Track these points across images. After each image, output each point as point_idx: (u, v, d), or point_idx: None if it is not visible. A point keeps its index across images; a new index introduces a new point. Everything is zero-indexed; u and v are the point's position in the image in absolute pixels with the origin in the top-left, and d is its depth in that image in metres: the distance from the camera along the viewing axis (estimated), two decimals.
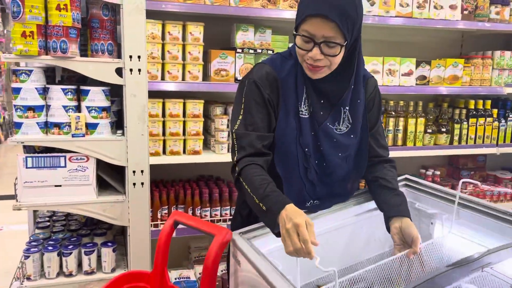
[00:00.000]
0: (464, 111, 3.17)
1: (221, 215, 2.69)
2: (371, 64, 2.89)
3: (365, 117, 1.55)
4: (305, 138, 1.47)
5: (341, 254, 1.62)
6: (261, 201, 1.31)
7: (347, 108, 1.50)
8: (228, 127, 2.64)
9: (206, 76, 2.62)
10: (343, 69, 1.43)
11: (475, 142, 3.20)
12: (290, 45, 2.77)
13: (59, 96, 2.07)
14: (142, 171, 2.20)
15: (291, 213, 1.22)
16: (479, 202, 1.46)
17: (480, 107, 3.23)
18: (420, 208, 1.64)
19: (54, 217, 2.62)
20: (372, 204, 1.65)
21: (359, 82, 1.49)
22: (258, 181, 1.35)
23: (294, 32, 1.38)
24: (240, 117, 1.46)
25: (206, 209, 2.67)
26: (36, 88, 2.04)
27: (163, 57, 2.49)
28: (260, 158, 1.43)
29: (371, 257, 1.67)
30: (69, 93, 2.09)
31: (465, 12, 3.02)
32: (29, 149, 2.14)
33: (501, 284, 1.00)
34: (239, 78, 2.61)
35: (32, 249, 2.14)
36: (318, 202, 1.56)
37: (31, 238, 2.30)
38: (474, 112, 3.20)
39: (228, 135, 2.64)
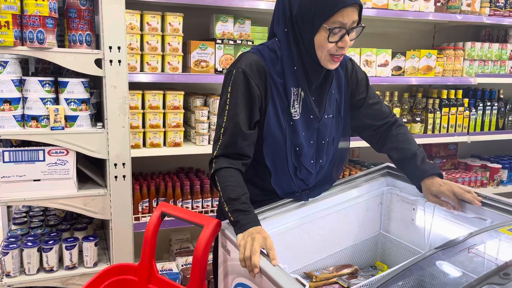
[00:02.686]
0: (437, 101, 3.27)
1: (202, 207, 2.69)
2: (348, 55, 2.93)
3: (346, 99, 1.60)
4: (297, 138, 1.49)
5: (327, 240, 1.65)
6: (231, 213, 1.35)
7: (334, 90, 1.55)
8: (208, 118, 2.63)
9: (185, 67, 2.60)
10: None
11: (447, 131, 3.31)
12: None
13: (36, 88, 2.01)
14: (123, 164, 2.17)
15: (259, 229, 1.29)
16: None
17: (452, 96, 3.33)
18: (401, 195, 1.69)
19: (31, 213, 2.56)
20: (356, 191, 1.70)
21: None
22: (232, 190, 1.37)
23: (326, 26, 1.34)
24: (227, 108, 1.44)
25: (188, 201, 2.66)
26: (12, 80, 1.98)
27: (142, 48, 2.46)
28: (239, 161, 1.44)
29: (357, 243, 1.72)
30: (47, 85, 2.03)
31: (438, 4, 3.10)
32: (6, 143, 2.08)
33: (486, 264, 1.05)
34: (219, 69, 2.60)
35: (11, 245, 2.09)
36: (308, 191, 1.59)
37: (9, 234, 2.25)
38: (447, 102, 3.30)
39: (209, 127, 2.63)
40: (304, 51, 1.43)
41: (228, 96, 1.44)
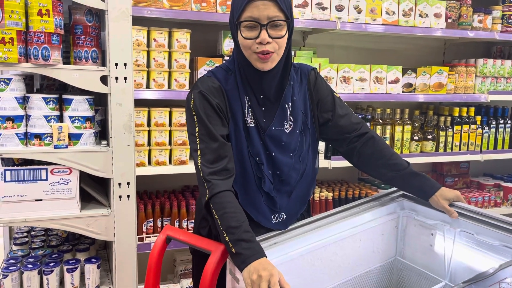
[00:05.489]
0: (449, 119, 3.20)
1: None
2: (358, 72, 2.88)
3: (309, 111, 1.55)
4: (254, 147, 1.46)
5: (341, 267, 1.57)
6: (233, 243, 1.26)
7: (290, 104, 1.50)
8: None
9: (193, 84, 2.54)
10: (284, 65, 1.45)
11: (460, 149, 3.23)
12: None
13: (40, 106, 1.96)
14: (128, 183, 2.11)
15: (265, 263, 1.20)
16: (481, 212, 1.44)
17: (464, 114, 3.26)
18: (419, 219, 1.61)
19: (33, 232, 2.49)
20: (371, 215, 1.62)
21: (292, 78, 1.52)
22: (232, 217, 1.30)
23: (236, 22, 1.37)
24: (197, 131, 1.42)
25: (193, 221, 2.58)
26: (15, 98, 1.93)
27: (148, 65, 2.41)
28: (230, 179, 1.39)
29: (372, 269, 1.63)
30: (51, 102, 1.98)
31: (449, 20, 3.05)
32: (8, 162, 2.02)
33: None
34: None
35: (10, 268, 2.02)
36: (285, 216, 1.52)
37: (9, 256, 2.18)
38: (459, 119, 3.22)
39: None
40: (242, 57, 1.43)
41: (195, 119, 1.43)
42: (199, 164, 1.40)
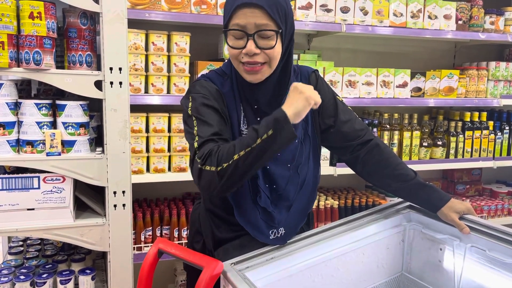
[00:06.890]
0: (459, 124, 3.08)
1: None
2: (364, 75, 2.78)
3: (310, 117, 1.45)
4: None
5: (343, 283, 1.48)
6: (264, 134, 1.16)
7: None
8: None
9: None
10: (280, 76, 1.36)
11: (471, 156, 3.11)
12: None
13: (32, 112, 1.90)
14: (123, 192, 2.03)
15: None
16: (494, 227, 1.34)
17: (476, 119, 3.15)
18: (426, 232, 1.51)
19: (28, 241, 2.43)
20: (375, 228, 1.52)
21: (291, 82, 1.41)
22: (241, 140, 1.20)
23: (223, 29, 1.30)
24: (195, 130, 1.29)
25: None
26: (6, 103, 1.87)
27: (146, 69, 2.35)
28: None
29: (376, 285, 1.53)
30: (44, 108, 1.92)
31: (460, 22, 2.94)
32: None
33: None
34: None
35: (2, 279, 1.95)
36: (284, 231, 1.42)
37: (2, 266, 2.11)
38: (470, 125, 3.11)
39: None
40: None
41: (194, 119, 1.30)
42: (195, 159, 1.24)
